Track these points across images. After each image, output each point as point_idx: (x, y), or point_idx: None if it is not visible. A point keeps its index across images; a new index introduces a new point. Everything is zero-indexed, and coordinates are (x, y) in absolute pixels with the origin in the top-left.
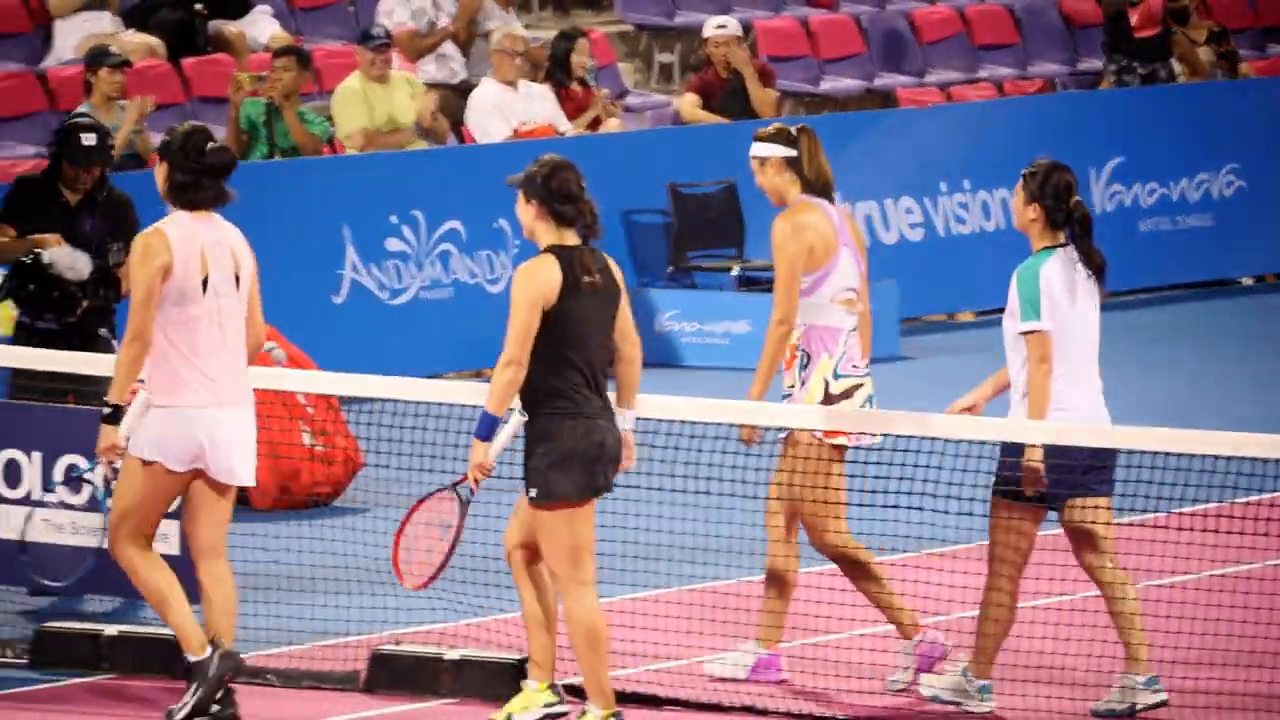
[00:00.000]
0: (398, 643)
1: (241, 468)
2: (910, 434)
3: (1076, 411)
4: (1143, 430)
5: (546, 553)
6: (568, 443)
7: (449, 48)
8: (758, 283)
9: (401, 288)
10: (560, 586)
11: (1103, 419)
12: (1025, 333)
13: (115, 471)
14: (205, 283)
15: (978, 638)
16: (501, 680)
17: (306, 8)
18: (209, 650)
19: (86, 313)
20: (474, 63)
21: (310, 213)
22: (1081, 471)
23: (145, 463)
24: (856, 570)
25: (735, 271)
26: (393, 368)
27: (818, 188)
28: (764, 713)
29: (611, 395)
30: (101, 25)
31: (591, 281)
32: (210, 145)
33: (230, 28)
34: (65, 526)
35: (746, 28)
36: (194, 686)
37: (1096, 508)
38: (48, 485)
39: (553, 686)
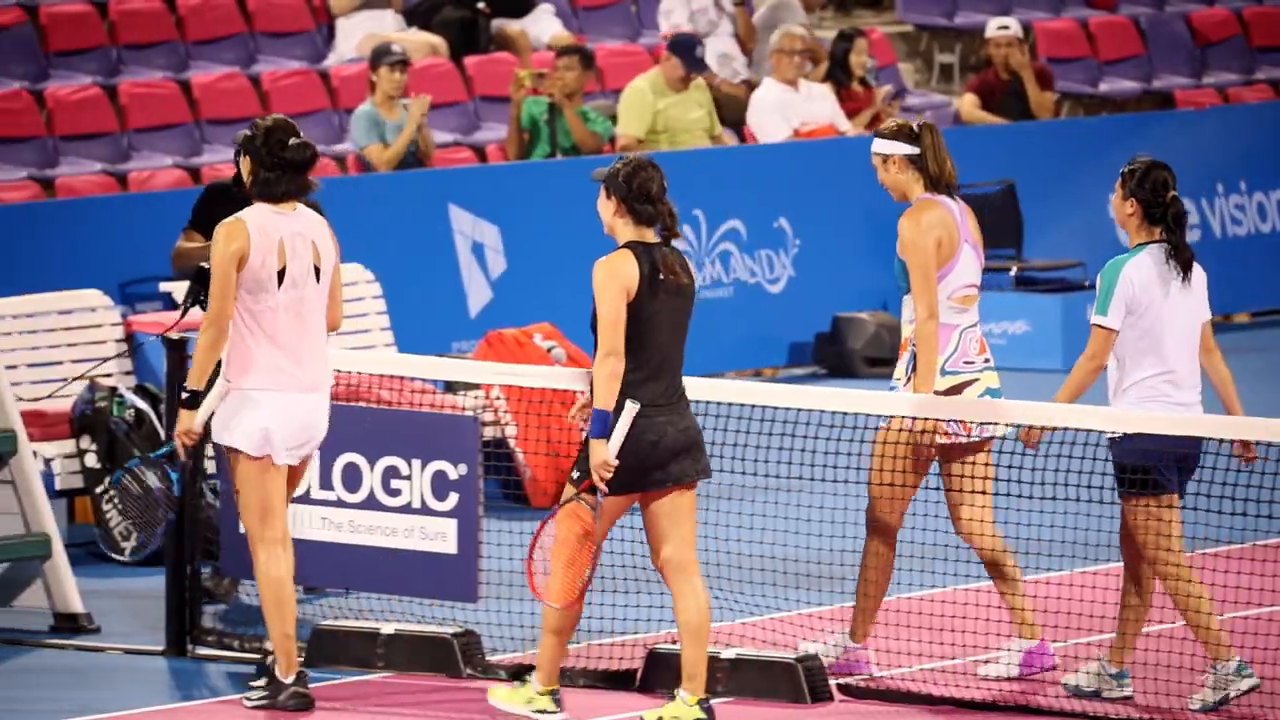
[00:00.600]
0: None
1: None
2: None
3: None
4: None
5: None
6: (630, 438)
7: (731, 47)
8: (1036, 283)
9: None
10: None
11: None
12: (1092, 324)
13: (187, 453)
14: (282, 274)
15: (1197, 633)
16: (776, 678)
17: (589, 7)
18: (293, 676)
19: None
20: (755, 63)
21: (591, 211)
22: (1179, 460)
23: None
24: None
25: (1014, 272)
26: None
27: (941, 185)
28: (1037, 712)
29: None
30: (384, 24)
31: (671, 279)
32: (292, 141)
33: (512, 26)
34: (343, 525)
35: (1026, 29)
36: (264, 695)
37: (1171, 506)
38: (325, 483)
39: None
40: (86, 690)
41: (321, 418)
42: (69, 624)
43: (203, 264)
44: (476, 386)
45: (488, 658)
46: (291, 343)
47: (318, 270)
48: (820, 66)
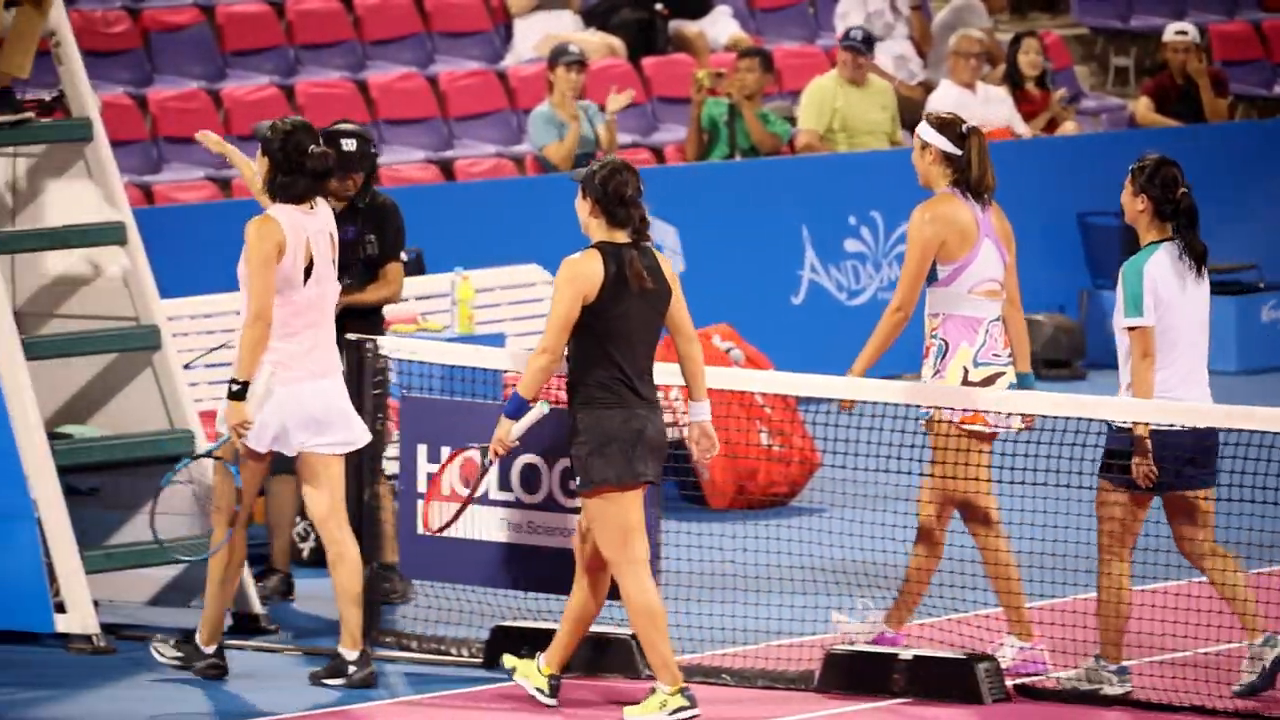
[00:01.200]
0: (852, 642)
1: (341, 432)
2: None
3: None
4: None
5: (598, 538)
6: (606, 430)
7: (907, 49)
8: (1210, 285)
9: (859, 288)
10: (615, 569)
11: None
12: (1129, 328)
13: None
14: (309, 271)
15: (1100, 622)
16: (955, 679)
17: (767, 8)
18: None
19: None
20: (931, 65)
21: (769, 213)
22: (1185, 462)
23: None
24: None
25: None
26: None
27: (975, 190)
28: (1212, 713)
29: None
30: (562, 24)
31: (638, 283)
32: (312, 149)
33: (690, 28)
34: (522, 526)
35: (1201, 31)
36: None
37: (1197, 498)
38: (503, 484)
39: (683, 690)
40: (264, 691)
41: (335, 400)
42: (248, 624)
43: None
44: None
45: None
46: (309, 335)
47: (335, 263)
48: (998, 69)
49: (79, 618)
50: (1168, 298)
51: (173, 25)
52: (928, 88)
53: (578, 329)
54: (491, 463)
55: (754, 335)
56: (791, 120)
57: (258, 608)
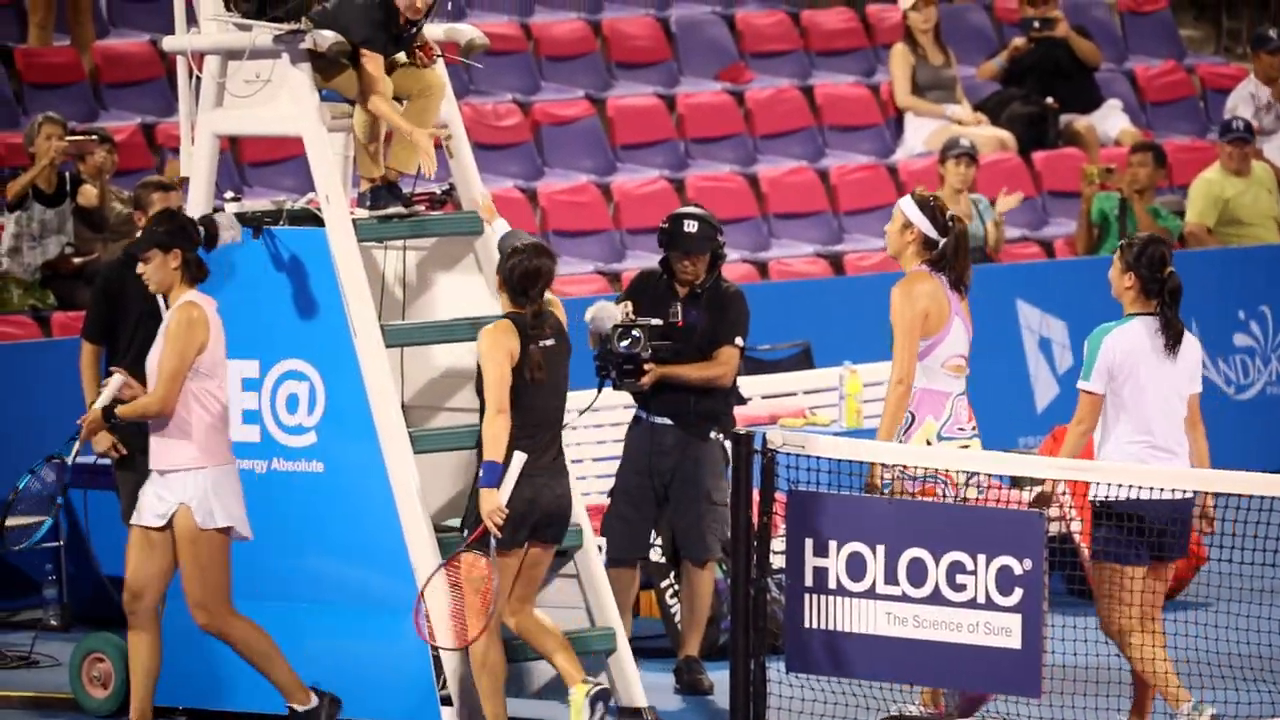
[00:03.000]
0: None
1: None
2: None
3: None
4: None
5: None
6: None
7: None
8: None
9: (1248, 383)
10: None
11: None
12: (1079, 389)
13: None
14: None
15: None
16: None
17: (1157, 102)
18: (315, 699)
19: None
20: None
21: None
22: (1160, 532)
23: (220, 531)
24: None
25: None
26: (1238, 461)
27: (955, 284)
28: None
29: None
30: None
31: (543, 345)
32: (203, 217)
33: (1080, 122)
34: (908, 620)
35: None
36: None
37: (1165, 569)
38: (890, 578)
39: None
40: None
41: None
42: (632, 719)
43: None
44: (1042, 482)
45: None
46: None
47: None
48: None
49: (465, 711)
50: (1131, 368)
51: (563, 119)
52: None
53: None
54: (497, 539)
55: None
56: (1181, 214)
57: (641, 701)
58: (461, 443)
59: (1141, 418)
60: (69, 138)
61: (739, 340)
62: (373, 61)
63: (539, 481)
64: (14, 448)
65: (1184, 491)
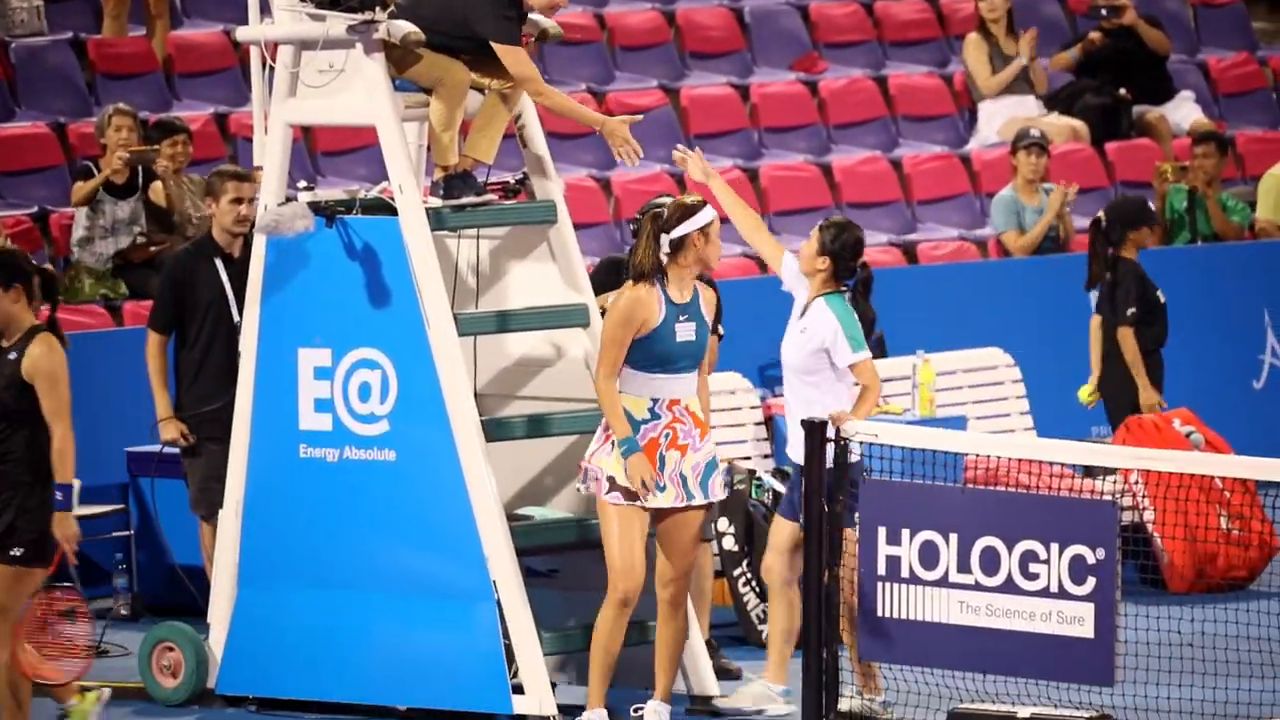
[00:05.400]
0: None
1: None
2: None
3: None
4: None
5: None
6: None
7: None
8: None
9: None
10: None
11: None
12: (860, 362)
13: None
14: None
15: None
16: None
17: (1230, 94)
18: None
19: None
20: None
21: (1231, 298)
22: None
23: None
24: None
25: None
26: None
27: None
28: None
29: None
30: (1026, 108)
31: None
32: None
33: (1153, 113)
34: (981, 609)
35: None
36: None
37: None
38: (963, 567)
39: None
40: None
41: None
42: (703, 707)
43: None
44: (1115, 471)
45: None
46: None
47: None
48: None
49: (536, 699)
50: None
51: (637, 109)
52: None
53: None
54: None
55: (1214, 419)
56: (1252, 205)
57: (713, 689)
58: (534, 431)
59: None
60: (131, 149)
61: (719, 330)
62: (515, 55)
63: None
64: (84, 437)
65: None
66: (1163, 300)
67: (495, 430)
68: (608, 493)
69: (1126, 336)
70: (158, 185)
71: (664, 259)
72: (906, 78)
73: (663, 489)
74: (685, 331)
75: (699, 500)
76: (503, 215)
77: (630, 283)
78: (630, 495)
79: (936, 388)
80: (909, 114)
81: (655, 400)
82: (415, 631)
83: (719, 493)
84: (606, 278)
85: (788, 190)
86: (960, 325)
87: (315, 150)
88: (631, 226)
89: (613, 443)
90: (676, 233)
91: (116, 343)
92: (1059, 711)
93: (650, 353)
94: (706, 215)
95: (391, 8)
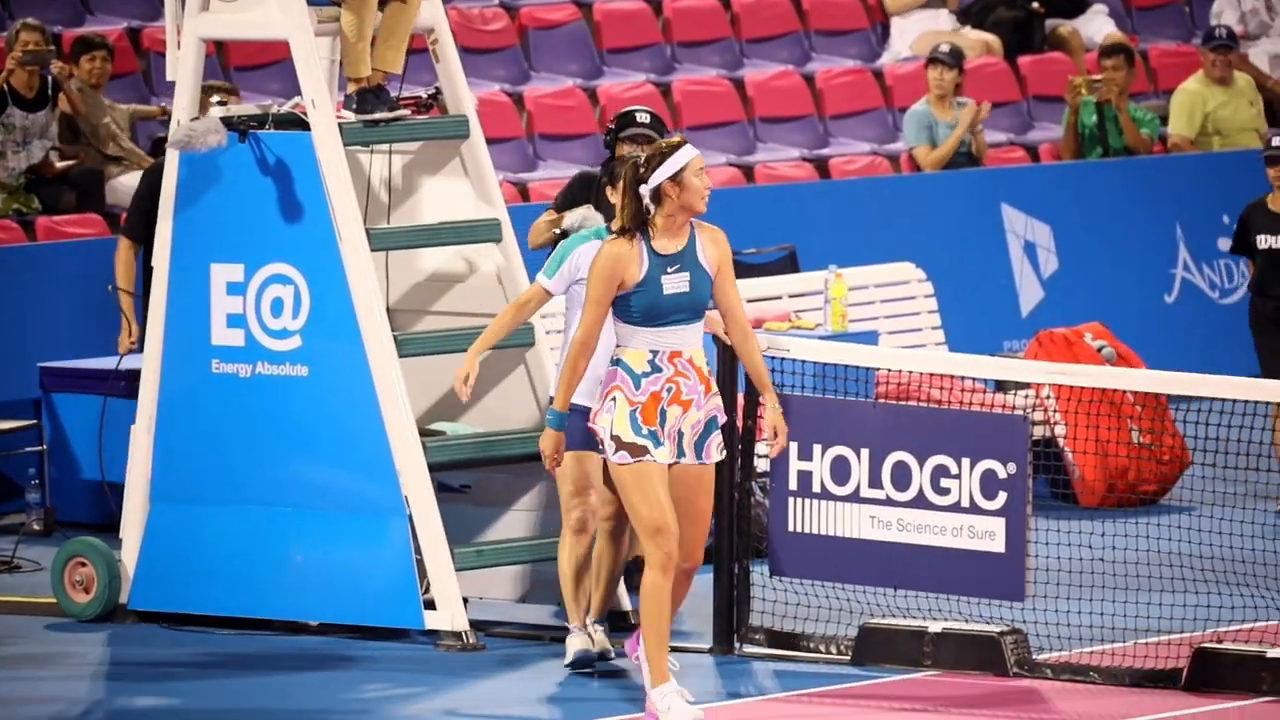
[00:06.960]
0: (1219, 640)
1: None
2: None
3: None
4: None
5: None
6: None
7: None
8: None
9: (1232, 287)
10: None
11: None
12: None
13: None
14: None
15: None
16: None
17: (1142, 7)
18: None
19: None
20: None
21: (1143, 212)
22: None
23: None
24: None
25: None
26: (1221, 366)
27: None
28: None
29: None
30: (938, 23)
31: None
32: None
33: (1066, 26)
34: (892, 524)
35: None
36: None
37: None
38: (874, 482)
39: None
40: (629, 687)
41: None
42: (617, 621)
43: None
44: (1027, 385)
45: (1034, 656)
46: None
47: None
48: None
49: (449, 615)
50: None
51: (550, 23)
52: None
53: None
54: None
55: (1126, 334)
56: (1164, 119)
57: (625, 604)
58: (446, 347)
59: None
60: (25, 49)
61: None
62: None
63: None
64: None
65: None
66: None
67: (407, 346)
68: (615, 453)
69: None
70: (64, 95)
71: (649, 210)
72: None
73: (660, 445)
74: (675, 283)
75: (690, 461)
76: (415, 130)
77: (612, 236)
78: (637, 450)
79: (848, 303)
80: (821, 29)
81: (655, 352)
82: (327, 547)
83: (714, 455)
84: (579, 193)
85: (700, 105)
86: (872, 240)
87: (228, 65)
88: (601, 168)
89: (613, 398)
90: (652, 182)
91: (30, 257)
92: (970, 626)
93: (639, 307)
94: (678, 159)
95: None
